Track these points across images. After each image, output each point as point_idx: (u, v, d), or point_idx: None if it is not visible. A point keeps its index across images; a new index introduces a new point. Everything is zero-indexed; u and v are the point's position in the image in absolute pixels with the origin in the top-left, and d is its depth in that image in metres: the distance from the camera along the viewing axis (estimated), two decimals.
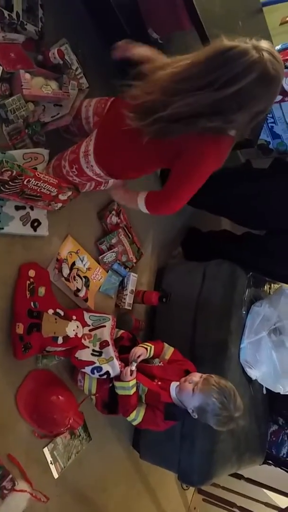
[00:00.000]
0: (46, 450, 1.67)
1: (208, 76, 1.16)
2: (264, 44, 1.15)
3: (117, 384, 1.66)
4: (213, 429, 1.94)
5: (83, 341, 1.69)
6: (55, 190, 1.55)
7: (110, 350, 1.69)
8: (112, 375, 1.66)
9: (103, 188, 1.85)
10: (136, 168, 1.55)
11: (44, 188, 1.50)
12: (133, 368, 1.65)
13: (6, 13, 1.47)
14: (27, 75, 1.49)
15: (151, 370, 1.75)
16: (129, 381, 1.63)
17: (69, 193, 1.62)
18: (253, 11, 2.15)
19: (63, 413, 1.63)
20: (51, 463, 1.68)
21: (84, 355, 1.67)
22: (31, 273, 1.59)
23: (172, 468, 2.14)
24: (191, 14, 1.58)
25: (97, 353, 1.69)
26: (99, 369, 1.65)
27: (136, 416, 1.67)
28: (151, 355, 1.79)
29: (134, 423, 1.70)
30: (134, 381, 1.65)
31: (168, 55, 1.81)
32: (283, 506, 2.64)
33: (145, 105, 1.27)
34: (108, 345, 1.69)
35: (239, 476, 2.71)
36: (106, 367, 1.64)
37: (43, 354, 1.63)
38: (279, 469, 2.65)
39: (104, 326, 1.76)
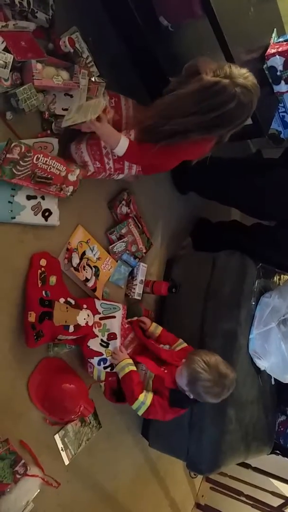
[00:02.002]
0: (57, 437, 1.69)
1: (196, 105, 1.52)
2: (239, 77, 1.47)
3: (116, 368, 1.71)
4: (222, 419, 1.98)
5: (93, 329, 1.71)
6: (64, 169, 1.56)
7: (117, 344, 1.72)
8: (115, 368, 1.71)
9: (116, 177, 1.85)
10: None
11: (54, 167, 1.52)
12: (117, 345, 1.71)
13: (17, 0, 1.45)
14: (39, 65, 1.48)
15: (159, 352, 1.78)
16: (121, 360, 1.68)
17: (77, 171, 1.63)
18: None
19: (74, 401, 1.65)
20: (62, 449, 1.71)
21: (94, 344, 1.70)
22: (43, 262, 1.60)
23: (181, 457, 2.16)
24: (202, 2, 1.57)
25: (104, 344, 1.72)
26: (105, 361, 1.70)
27: (144, 399, 1.65)
28: (157, 332, 1.89)
29: (142, 409, 1.65)
30: (127, 360, 1.69)
31: (179, 43, 1.81)
32: None
33: (147, 126, 1.62)
34: (116, 338, 1.72)
35: (246, 466, 2.73)
36: (111, 360, 1.70)
37: (54, 343, 1.65)
38: (286, 459, 2.66)
39: (114, 317, 1.77)
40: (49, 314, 1.54)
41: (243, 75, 1.49)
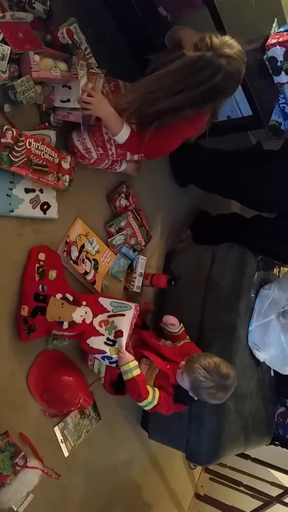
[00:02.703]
0: (56, 429, 1.70)
1: (183, 83, 1.47)
2: (223, 47, 1.41)
3: (121, 369, 1.65)
4: (221, 410, 1.99)
5: (98, 328, 1.66)
6: (56, 155, 1.58)
7: (123, 342, 1.66)
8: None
9: (117, 168, 1.88)
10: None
11: (46, 153, 1.54)
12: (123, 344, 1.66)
13: None
14: (36, 57, 1.47)
15: (160, 350, 1.77)
16: (128, 362, 1.62)
17: (69, 158, 1.64)
18: None
19: (73, 393, 1.66)
20: (61, 441, 1.72)
21: (96, 342, 1.65)
22: (41, 256, 1.59)
23: (180, 448, 2.17)
24: None
25: (110, 342, 1.66)
26: (109, 357, 1.65)
27: (153, 399, 1.65)
28: (180, 331, 1.88)
29: (149, 406, 1.66)
30: (134, 363, 1.64)
31: None
32: None
33: (135, 110, 1.56)
34: (122, 335, 1.66)
35: (246, 456, 2.75)
36: (116, 357, 1.64)
37: (49, 336, 1.63)
38: (285, 449, 2.68)
39: (124, 315, 1.72)
40: (42, 309, 1.53)
41: (225, 43, 1.42)
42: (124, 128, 1.58)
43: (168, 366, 1.72)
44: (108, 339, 1.66)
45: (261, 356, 2.20)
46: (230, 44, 1.43)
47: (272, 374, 2.41)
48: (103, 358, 1.66)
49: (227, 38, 1.44)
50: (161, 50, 1.67)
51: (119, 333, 1.66)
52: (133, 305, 1.76)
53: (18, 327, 1.53)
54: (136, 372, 1.63)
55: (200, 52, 1.42)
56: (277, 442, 2.68)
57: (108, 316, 1.71)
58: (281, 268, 2.53)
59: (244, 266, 2.18)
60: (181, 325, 1.91)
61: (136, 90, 1.57)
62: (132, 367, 1.62)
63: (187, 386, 1.65)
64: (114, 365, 1.67)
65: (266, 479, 2.74)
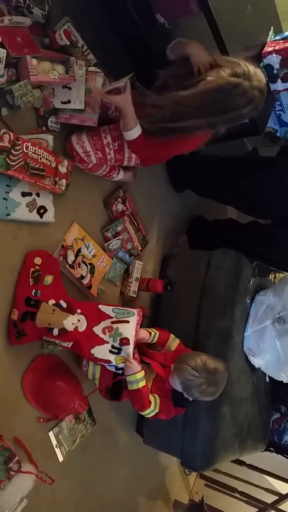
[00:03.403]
0: (51, 434, 1.69)
1: (213, 106, 1.54)
2: (256, 79, 1.50)
3: (127, 379, 1.62)
4: (216, 416, 1.98)
5: (102, 335, 1.59)
6: (53, 159, 1.58)
7: (130, 350, 1.59)
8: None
9: (114, 176, 1.90)
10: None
11: (43, 157, 1.54)
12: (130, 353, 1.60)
13: None
14: (34, 61, 1.47)
15: (153, 356, 1.76)
16: (136, 373, 1.60)
17: (66, 162, 1.65)
18: None
19: (68, 398, 1.65)
20: (56, 446, 1.71)
21: (101, 352, 1.58)
22: (37, 260, 1.59)
23: (175, 454, 2.16)
24: None
25: (115, 350, 1.59)
26: (115, 366, 1.61)
27: (155, 407, 1.66)
28: (154, 340, 1.80)
29: (151, 414, 1.67)
30: (141, 373, 1.62)
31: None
32: (284, 492, 2.68)
33: (154, 116, 1.61)
34: (129, 344, 1.59)
35: (241, 463, 2.74)
36: (122, 365, 1.60)
37: (42, 342, 1.62)
38: (280, 456, 2.68)
39: (128, 322, 1.63)
40: (32, 314, 1.51)
41: (257, 75, 1.51)
42: (138, 127, 1.63)
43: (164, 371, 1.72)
44: (113, 346, 1.59)
45: (256, 362, 2.20)
46: (262, 78, 1.53)
47: (267, 380, 2.41)
48: (110, 366, 1.62)
49: (258, 70, 1.54)
50: (168, 65, 1.70)
51: (125, 341, 1.59)
52: (135, 310, 1.69)
53: (8, 330, 1.52)
54: (142, 383, 1.62)
55: (239, 79, 1.49)
56: (272, 449, 2.68)
57: (112, 323, 1.63)
58: (277, 274, 2.54)
59: (240, 272, 2.18)
60: (153, 333, 1.80)
61: (167, 102, 1.60)
62: (139, 378, 1.60)
63: (179, 388, 1.65)
64: (120, 371, 1.63)
65: (261, 486, 2.74)
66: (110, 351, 1.58)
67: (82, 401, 1.69)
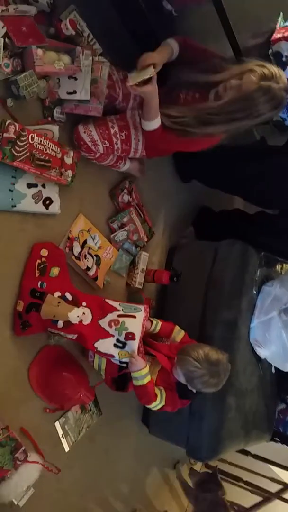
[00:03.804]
0: (57, 424, 1.71)
1: (244, 112, 1.55)
2: (283, 81, 1.50)
3: (132, 375, 1.62)
4: (222, 407, 1.99)
5: (108, 328, 1.58)
6: (58, 150, 1.57)
7: (135, 346, 1.58)
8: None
9: (121, 166, 1.88)
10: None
11: (49, 148, 1.53)
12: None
13: None
14: (39, 51, 1.45)
15: (158, 348, 1.76)
16: (141, 369, 1.59)
17: (72, 153, 1.63)
18: None
19: (74, 388, 1.66)
20: (62, 436, 1.73)
21: (104, 345, 1.57)
22: (44, 252, 1.59)
23: (181, 444, 2.18)
24: None
25: (120, 345, 1.58)
26: (118, 360, 1.61)
27: (161, 400, 1.66)
28: (157, 329, 1.79)
29: (157, 407, 1.68)
30: (146, 369, 1.61)
31: (183, 28, 1.77)
32: None
33: (178, 121, 1.62)
34: (134, 339, 1.58)
35: (246, 452, 2.76)
36: (126, 360, 1.60)
37: (47, 333, 1.63)
38: (285, 446, 2.69)
39: (135, 316, 1.63)
40: (37, 305, 1.51)
41: (283, 77, 1.52)
42: (158, 119, 1.63)
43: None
44: (118, 340, 1.58)
45: (262, 353, 2.20)
46: (285, 79, 1.52)
47: (273, 371, 2.41)
48: (113, 360, 1.62)
49: (280, 69, 1.54)
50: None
51: (130, 336, 1.58)
52: (142, 307, 1.68)
53: (13, 321, 1.53)
54: (147, 379, 1.61)
55: (269, 82, 1.49)
56: (277, 439, 2.69)
57: (119, 316, 1.63)
58: (284, 265, 2.52)
59: (246, 263, 2.17)
60: (155, 322, 1.81)
61: (196, 107, 1.62)
62: (144, 374, 1.60)
63: (182, 380, 1.65)
64: (124, 365, 1.63)
65: (266, 475, 2.75)
66: (115, 345, 1.58)
67: (88, 391, 1.70)
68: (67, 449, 1.75)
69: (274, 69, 1.51)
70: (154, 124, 1.64)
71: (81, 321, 1.55)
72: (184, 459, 2.76)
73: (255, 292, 2.21)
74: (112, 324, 1.59)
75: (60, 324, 1.52)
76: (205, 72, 1.64)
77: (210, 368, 1.60)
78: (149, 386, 1.62)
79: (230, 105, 1.56)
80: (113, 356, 1.59)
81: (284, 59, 2.01)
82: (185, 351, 1.65)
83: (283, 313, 2.21)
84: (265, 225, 2.49)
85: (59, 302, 1.54)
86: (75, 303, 1.59)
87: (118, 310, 1.63)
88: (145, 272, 2.15)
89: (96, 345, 1.57)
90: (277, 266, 2.48)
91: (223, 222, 2.64)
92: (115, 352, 1.58)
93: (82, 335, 1.54)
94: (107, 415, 1.97)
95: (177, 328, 1.84)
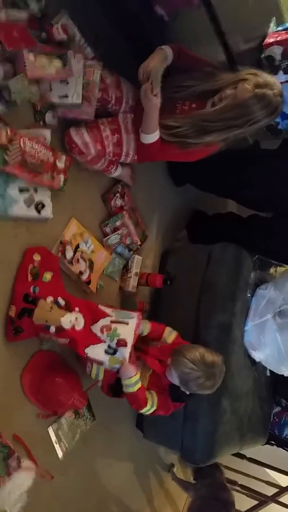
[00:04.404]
0: (50, 430, 1.70)
1: (239, 120, 1.57)
2: (278, 88, 1.54)
3: (122, 382, 1.61)
4: (216, 410, 1.99)
5: (100, 334, 1.58)
6: (50, 154, 1.57)
7: (126, 353, 1.57)
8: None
9: (113, 172, 1.89)
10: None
11: (41, 152, 1.53)
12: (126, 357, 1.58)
13: None
14: (31, 56, 1.45)
15: (149, 352, 1.75)
16: (131, 377, 1.59)
17: (63, 157, 1.63)
18: None
19: (67, 394, 1.65)
20: (55, 442, 1.71)
21: (94, 352, 1.56)
22: (36, 257, 1.58)
23: (175, 447, 2.17)
24: None
25: (111, 351, 1.57)
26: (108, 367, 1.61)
27: (151, 406, 1.66)
28: (146, 331, 1.77)
29: (149, 412, 1.67)
30: (137, 376, 1.60)
31: (175, 33, 1.78)
32: (284, 485, 2.69)
33: (175, 131, 1.63)
34: (126, 345, 1.57)
35: (241, 456, 2.75)
36: (116, 367, 1.59)
37: (39, 338, 1.61)
38: (281, 449, 2.69)
39: (127, 323, 1.61)
40: (29, 311, 1.51)
41: (277, 84, 1.55)
42: (157, 132, 1.64)
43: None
44: (109, 346, 1.57)
45: (257, 355, 2.20)
46: (279, 86, 1.56)
47: (268, 374, 2.41)
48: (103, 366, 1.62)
49: (273, 77, 1.58)
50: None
51: (122, 343, 1.57)
52: (135, 314, 1.67)
53: (6, 327, 1.52)
54: (138, 386, 1.60)
55: (264, 90, 1.52)
56: (272, 442, 2.69)
57: (111, 322, 1.62)
58: (278, 267, 2.52)
59: (240, 266, 2.17)
60: (146, 323, 1.78)
61: (192, 115, 1.64)
62: (134, 382, 1.59)
63: (176, 381, 1.64)
64: (115, 370, 1.62)
65: (262, 479, 2.75)
66: (106, 351, 1.57)
67: (81, 396, 1.69)
68: (60, 455, 1.74)
69: (268, 77, 1.55)
70: (153, 137, 1.65)
71: (73, 326, 1.53)
72: (178, 462, 2.76)
73: (249, 295, 2.21)
74: (104, 330, 1.58)
75: (53, 329, 1.51)
76: (200, 82, 1.65)
77: (206, 370, 1.59)
78: (139, 393, 1.61)
79: (226, 113, 1.58)
80: (103, 363, 1.58)
81: (276, 63, 2.02)
82: (180, 352, 1.63)
83: (278, 315, 2.21)
84: (258, 228, 2.49)
85: (51, 307, 1.53)
86: (68, 308, 1.58)
87: (111, 316, 1.63)
88: (139, 276, 2.14)
89: (86, 350, 1.55)
90: (271, 269, 2.48)
91: (217, 226, 2.64)
92: (105, 358, 1.57)
93: (74, 341, 1.53)
94: (101, 420, 1.96)
95: (168, 329, 1.83)
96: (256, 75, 1.54)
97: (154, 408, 1.67)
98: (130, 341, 1.58)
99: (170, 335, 1.82)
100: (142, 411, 1.67)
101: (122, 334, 1.58)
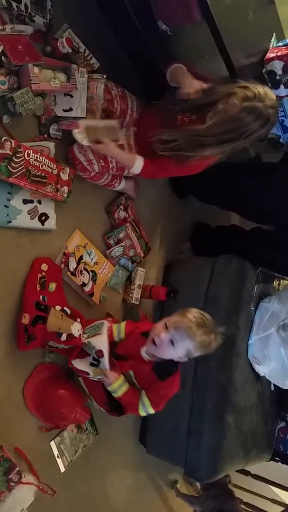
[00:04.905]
0: (53, 444, 1.68)
1: (232, 133, 1.57)
2: (269, 99, 1.53)
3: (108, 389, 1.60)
4: (220, 425, 1.96)
5: (84, 347, 1.61)
6: (55, 166, 1.59)
7: (106, 362, 1.56)
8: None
9: (116, 185, 1.90)
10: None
11: (45, 164, 1.54)
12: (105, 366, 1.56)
13: (14, 4, 1.45)
14: (36, 69, 1.48)
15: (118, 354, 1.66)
16: (111, 383, 1.57)
17: (68, 170, 1.65)
18: (265, 3, 2.12)
19: (70, 407, 1.63)
20: (58, 456, 1.69)
21: (81, 364, 1.60)
22: (44, 267, 1.59)
23: (179, 463, 2.13)
24: (201, 6, 1.56)
25: (95, 363, 1.60)
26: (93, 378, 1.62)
27: (145, 409, 1.62)
28: (122, 334, 1.70)
29: (148, 413, 1.63)
30: (118, 381, 1.58)
31: (178, 47, 1.81)
32: None
33: (171, 146, 1.64)
34: (103, 356, 1.56)
35: (246, 473, 2.70)
36: (99, 377, 1.60)
37: (45, 349, 1.62)
38: (286, 466, 2.64)
39: (100, 334, 1.62)
40: (43, 318, 1.52)
41: (269, 95, 1.55)
42: (138, 160, 1.68)
43: (132, 362, 1.63)
44: (94, 359, 1.60)
45: (261, 370, 2.18)
46: (272, 95, 1.55)
47: (273, 388, 2.38)
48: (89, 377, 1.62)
49: (265, 88, 1.56)
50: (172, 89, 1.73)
51: (99, 353, 1.57)
52: (104, 321, 1.67)
53: (18, 335, 1.51)
54: (122, 390, 1.59)
55: (252, 102, 1.52)
56: (277, 458, 2.64)
57: (87, 337, 1.63)
58: (281, 281, 2.52)
59: (244, 279, 2.17)
60: (115, 330, 1.71)
61: (184, 136, 1.64)
62: (117, 387, 1.58)
63: (181, 354, 1.51)
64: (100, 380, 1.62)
65: (267, 496, 2.69)
66: (91, 364, 1.59)
67: (84, 410, 1.67)
68: (62, 469, 1.71)
69: (258, 89, 1.53)
70: (137, 167, 1.69)
71: (80, 335, 1.57)
72: (181, 478, 2.71)
73: (252, 308, 2.19)
74: (84, 345, 1.60)
75: (64, 337, 1.54)
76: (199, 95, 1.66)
77: (212, 331, 1.52)
78: (124, 397, 1.59)
79: (218, 128, 1.58)
80: (88, 374, 1.60)
81: (278, 77, 2.04)
82: (191, 321, 1.49)
83: (281, 329, 2.20)
84: (261, 241, 2.49)
85: (62, 315, 1.56)
86: (73, 317, 1.61)
87: (85, 335, 1.62)
88: (142, 288, 2.14)
89: (73, 362, 1.60)
90: (274, 282, 2.48)
91: (220, 238, 2.64)
92: (90, 370, 1.59)
93: (75, 350, 1.57)
94: (103, 435, 1.94)
95: (114, 325, 1.73)
96: (245, 88, 1.54)
97: (150, 409, 1.61)
98: (105, 348, 1.57)
99: (121, 329, 1.72)
100: (141, 414, 1.63)
101: (96, 346, 1.57)
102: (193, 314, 1.52)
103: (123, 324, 1.74)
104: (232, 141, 1.60)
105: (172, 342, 1.49)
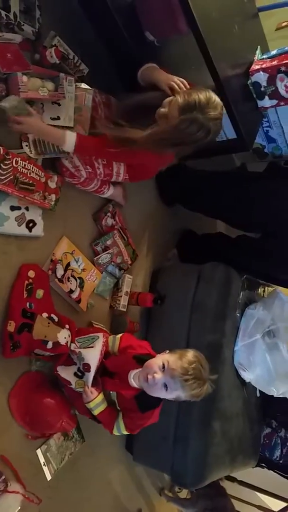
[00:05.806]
0: (39, 452, 1.66)
1: (177, 140, 1.57)
2: (212, 108, 1.51)
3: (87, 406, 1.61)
4: (207, 432, 1.96)
5: (73, 355, 1.61)
6: (42, 174, 1.59)
7: (90, 377, 1.57)
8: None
9: (105, 192, 1.91)
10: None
11: (33, 172, 1.55)
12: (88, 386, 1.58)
13: (3, 13, 1.47)
14: (24, 78, 1.49)
15: (106, 367, 1.67)
16: (89, 402, 1.58)
17: (56, 178, 1.65)
18: (250, 16, 2.16)
19: (56, 416, 1.62)
20: (44, 464, 1.67)
21: (65, 372, 1.61)
22: (31, 273, 1.59)
23: (165, 470, 2.14)
24: (188, 18, 1.59)
25: (80, 374, 1.60)
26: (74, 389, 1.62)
27: (119, 430, 1.65)
28: (116, 347, 1.70)
29: (123, 433, 1.66)
30: (96, 400, 1.59)
31: (165, 58, 1.84)
32: (276, 509, 2.65)
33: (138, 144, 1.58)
34: (89, 370, 1.57)
35: (232, 479, 2.71)
36: (80, 390, 1.60)
37: (31, 357, 1.60)
38: (272, 472, 2.65)
39: (93, 347, 1.63)
40: (29, 326, 1.51)
41: (211, 102, 1.50)
42: (69, 137, 1.55)
43: (117, 380, 1.62)
44: (78, 369, 1.60)
45: (247, 376, 2.19)
46: (216, 104, 1.52)
47: (258, 394, 2.40)
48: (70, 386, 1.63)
49: (209, 94, 1.52)
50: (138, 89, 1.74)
51: (86, 367, 1.58)
52: (100, 334, 1.68)
53: (3, 343, 1.50)
54: (98, 410, 1.60)
55: (192, 115, 1.49)
56: (263, 464, 2.65)
57: (78, 346, 1.64)
58: (266, 287, 2.55)
59: (229, 286, 2.19)
60: (110, 342, 1.72)
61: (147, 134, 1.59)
62: (94, 405, 1.59)
63: (171, 397, 1.51)
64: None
65: (253, 503, 2.70)
66: (75, 374, 1.60)
67: (70, 419, 1.66)
68: (49, 477, 1.69)
69: (201, 97, 1.50)
70: (70, 141, 1.55)
71: (67, 342, 1.56)
72: (168, 486, 2.70)
73: (238, 314, 2.22)
74: (73, 353, 1.60)
75: (50, 345, 1.52)
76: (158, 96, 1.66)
77: (205, 380, 1.51)
78: (100, 417, 1.61)
79: (157, 137, 1.56)
80: (70, 384, 1.60)
81: (262, 89, 2.09)
82: (185, 370, 1.47)
83: (267, 335, 2.22)
84: (247, 248, 2.52)
85: (48, 323, 1.55)
86: (60, 325, 1.60)
87: (76, 345, 1.63)
88: (129, 295, 2.15)
89: (58, 368, 1.60)
90: (259, 289, 2.51)
91: (206, 245, 2.67)
92: (73, 380, 1.59)
93: (62, 358, 1.56)
94: (90, 442, 1.92)
95: (110, 337, 1.75)
96: (188, 95, 1.52)
97: (124, 430, 1.64)
98: (93, 364, 1.57)
99: (115, 341, 1.72)
100: (115, 434, 1.66)
101: (85, 359, 1.58)
102: (193, 362, 1.49)
103: (118, 338, 1.73)
104: (176, 146, 1.62)
105: (165, 386, 1.48)
